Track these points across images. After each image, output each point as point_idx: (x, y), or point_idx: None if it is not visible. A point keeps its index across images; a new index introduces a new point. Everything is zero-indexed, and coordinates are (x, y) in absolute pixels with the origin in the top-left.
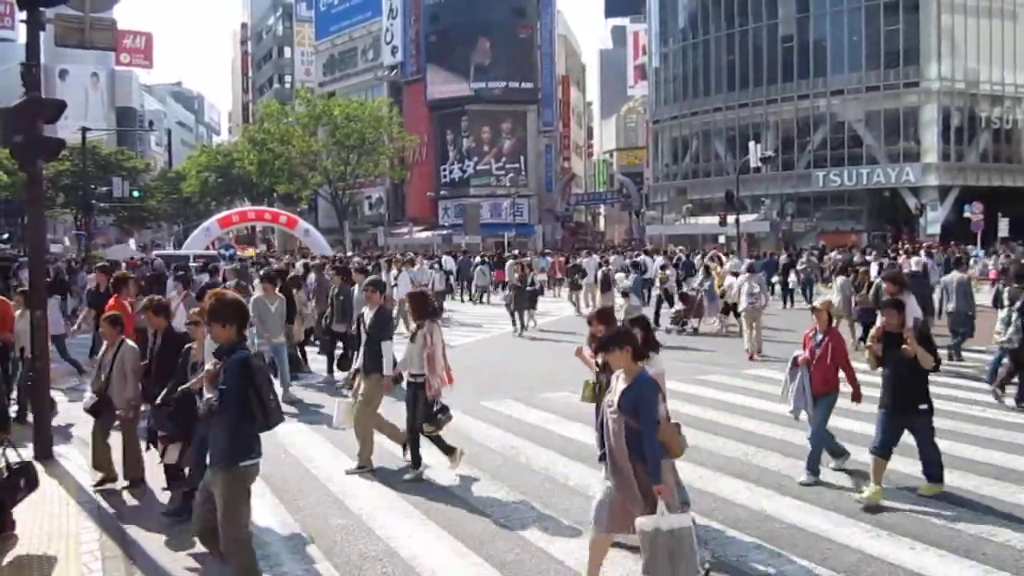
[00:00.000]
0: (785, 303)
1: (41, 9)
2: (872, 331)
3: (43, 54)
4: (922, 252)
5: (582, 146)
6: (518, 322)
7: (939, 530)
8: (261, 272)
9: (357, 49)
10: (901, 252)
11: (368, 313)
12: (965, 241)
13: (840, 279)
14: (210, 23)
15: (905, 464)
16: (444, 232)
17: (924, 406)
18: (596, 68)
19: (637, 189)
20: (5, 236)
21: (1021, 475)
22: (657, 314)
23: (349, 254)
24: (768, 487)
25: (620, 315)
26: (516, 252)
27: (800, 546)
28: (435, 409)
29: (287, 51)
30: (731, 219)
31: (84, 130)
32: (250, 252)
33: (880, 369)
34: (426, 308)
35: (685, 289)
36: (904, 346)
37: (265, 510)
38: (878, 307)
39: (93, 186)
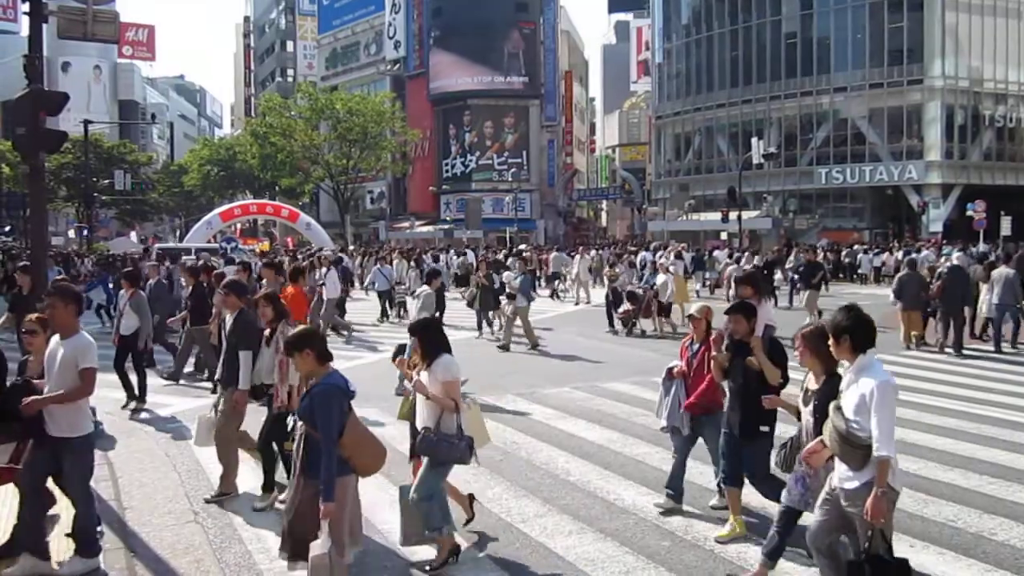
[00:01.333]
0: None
1: (44, 1)
2: (713, 336)
3: (46, 46)
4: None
5: (584, 141)
6: (484, 324)
7: (939, 528)
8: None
9: (360, 43)
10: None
11: (228, 319)
12: (968, 239)
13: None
14: (213, 16)
15: (906, 461)
16: (446, 227)
17: (765, 428)
18: (599, 63)
19: (639, 185)
20: (7, 229)
21: (1022, 474)
22: (609, 315)
23: (351, 248)
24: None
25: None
26: (502, 248)
27: (800, 544)
28: (290, 426)
29: (289, 45)
30: (733, 216)
31: (86, 123)
32: (264, 246)
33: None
34: (281, 309)
35: (632, 288)
36: (750, 357)
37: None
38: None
39: (95, 179)
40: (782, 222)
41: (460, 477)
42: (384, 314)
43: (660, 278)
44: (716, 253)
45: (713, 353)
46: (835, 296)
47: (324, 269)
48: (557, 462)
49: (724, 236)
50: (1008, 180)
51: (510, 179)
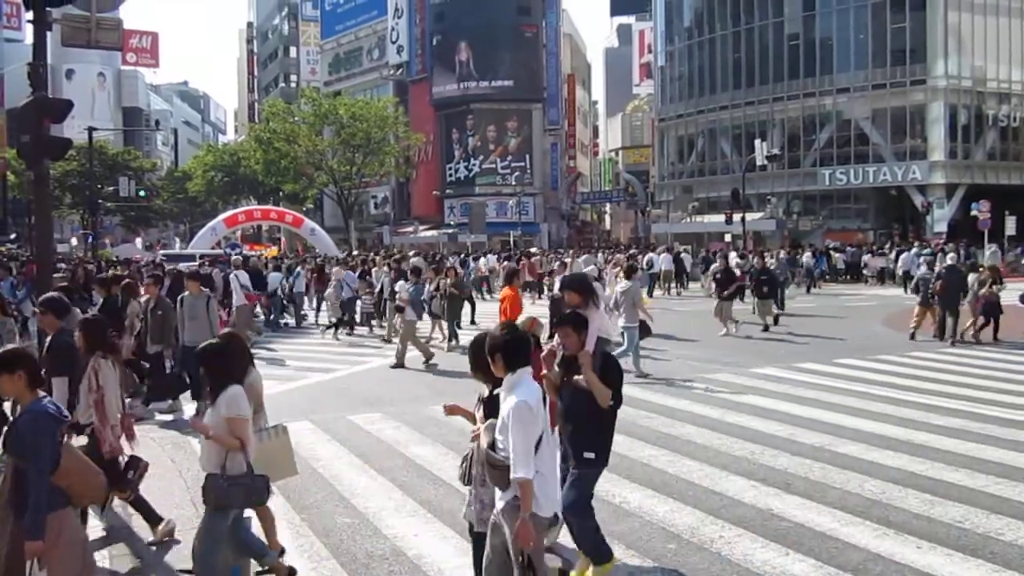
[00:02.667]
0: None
1: (48, 9)
2: (544, 352)
3: (50, 54)
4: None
5: (587, 145)
6: (447, 332)
7: (946, 529)
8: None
9: (362, 48)
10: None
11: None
12: (972, 240)
13: (971, 276)
14: (216, 23)
15: (912, 461)
16: (450, 231)
17: (590, 454)
18: (601, 66)
19: (643, 187)
20: (13, 236)
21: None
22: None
23: (355, 253)
24: (775, 486)
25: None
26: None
27: (806, 545)
28: (127, 471)
29: (292, 50)
30: (737, 217)
31: (91, 130)
32: (272, 251)
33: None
34: (99, 337)
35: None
36: (577, 376)
37: (272, 508)
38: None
39: (100, 186)
40: (786, 224)
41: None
42: (338, 325)
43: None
44: (731, 255)
45: (544, 372)
46: (840, 296)
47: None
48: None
49: (728, 238)
50: (1012, 180)
51: (513, 183)
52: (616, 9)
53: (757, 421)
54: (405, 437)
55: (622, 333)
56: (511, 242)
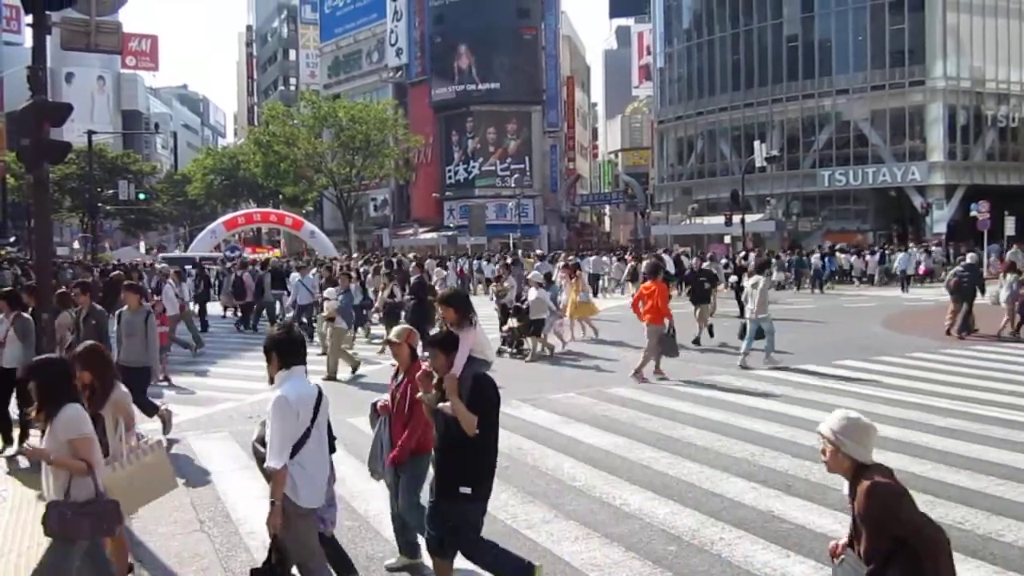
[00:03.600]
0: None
1: (47, 13)
2: (419, 373)
3: (49, 57)
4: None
5: (587, 147)
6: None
7: (947, 530)
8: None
9: (362, 51)
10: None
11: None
12: (972, 240)
13: (1010, 276)
14: (215, 26)
15: (913, 463)
16: (449, 233)
17: (466, 489)
18: (601, 69)
19: (642, 189)
20: (12, 239)
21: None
22: (502, 331)
23: (355, 256)
24: (775, 487)
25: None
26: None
27: (807, 546)
28: None
29: (292, 53)
30: (736, 219)
31: (90, 133)
32: (276, 253)
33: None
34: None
35: (522, 302)
36: (443, 403)
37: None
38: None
39: (99, 189)
40: (785, 225)
41: None
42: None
43: (532, 293)
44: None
45: (419, 394)
46: (840, 297)
47: (155, 282)
48: (563, 468)
49: (727, 240)
50: (1012, 180)
51: (513, 185)
52: (615, 11)
53: (758, 423)
54: None
55: (743, 327)
56: (511, 244)
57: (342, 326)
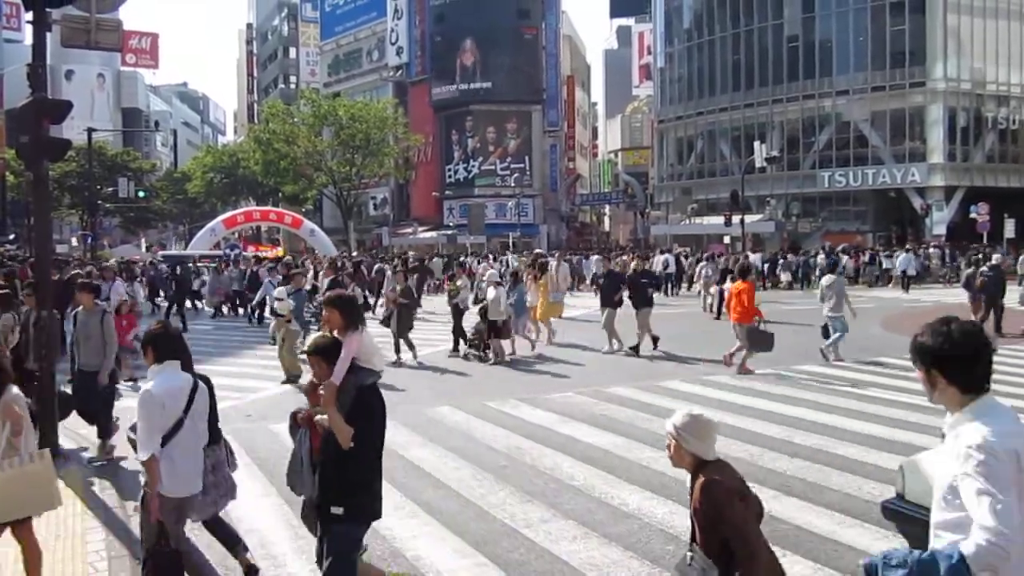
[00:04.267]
0: (719, 314)
1: (47, 10)
2: (307, 383)
3: (49, 55)
4: None
5: (587, 146)
6: (403, 348)
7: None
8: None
9: (362, 50)
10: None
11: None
12: (971, 242)
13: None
14: (215, 24)
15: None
16: (449, 232)
17: (337, 509)
18: (601, 68)
19: (642, 189)
20: (12, 236)
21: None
22: (455, 336)
23: (355, 254)
24: (773, 488)
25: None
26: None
27: (805, 547)
28: None
29: (292, 52)
30: (736, 219)
31: (90, 131)
32: (280, 252)
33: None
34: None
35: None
36: (320, 416)
37: (271, 511)
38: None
39: (99, 187)
40: (785, 226)
41: (465, 483)
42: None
43: (490, 293)
44: (752, 257)
45: (317, 418)
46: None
47: (110, 282)
48: (562, 467)
49: (727, 240)
50: (1011, 182)
51: (513, 184)
52: (616, 11)
53: (756, 423)
54: (404, 439)
55: (825, 324)
56: (510, 243)
57: (297, 327)
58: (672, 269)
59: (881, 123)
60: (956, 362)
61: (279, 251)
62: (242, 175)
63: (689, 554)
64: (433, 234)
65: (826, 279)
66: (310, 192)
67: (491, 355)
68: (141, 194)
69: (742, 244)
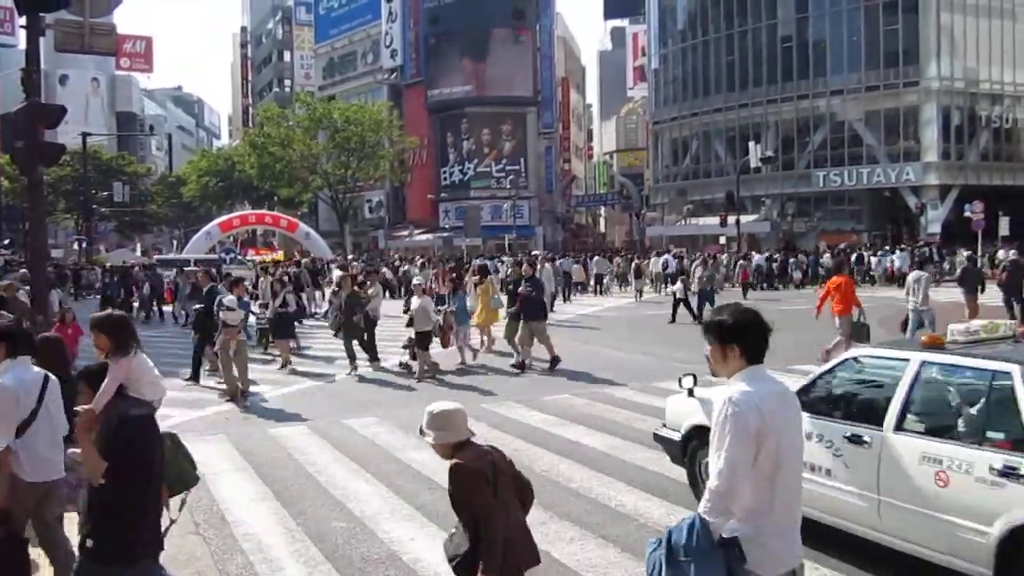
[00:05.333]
0: (674, 318)
1: (41, 15)
2: (83, 416)
3: (43, 59)
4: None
5: (582, 148)
6: (370, 357)
7: None
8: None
9: (357, 52)
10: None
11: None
12: (966, 241)
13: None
14: (210, 27)
15: None
16: (445, 234)
17: (90, 540)
18: (595, 70)
19: (637, 190)
20: (7, 241)
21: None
22: (366, 343)
23: (351, 257)
24: None
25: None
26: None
27: (804, 548)
28: None
29: (287, 55)
30: (731, 219)
31: (85, 135)
32: (278, 256)
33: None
34: None
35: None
36: (72, 450)
37: (267, 514)
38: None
39: (94, 191)
40: (780, 225)
41: None
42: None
43: (415, 302)
44: (757, 258)
45: (70, 451)
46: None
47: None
48: (558, 469)
49: (723, 240)
50: (1005, 180)
51: (508, 186)
52: (610, 12)
53: None
54: (401, 441)
55: (906, 318)
56: (506, 245)
57: (245, 338)
58: (672, 270)
59: (875, 122)
60: (747, 336)
61: (279, 255)
62: (237, 179)
63: (452, 529)
64: (429, 236)
65: (913, 275)
66: (305, 195)
67: (416, 368)
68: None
69: (738, 244)
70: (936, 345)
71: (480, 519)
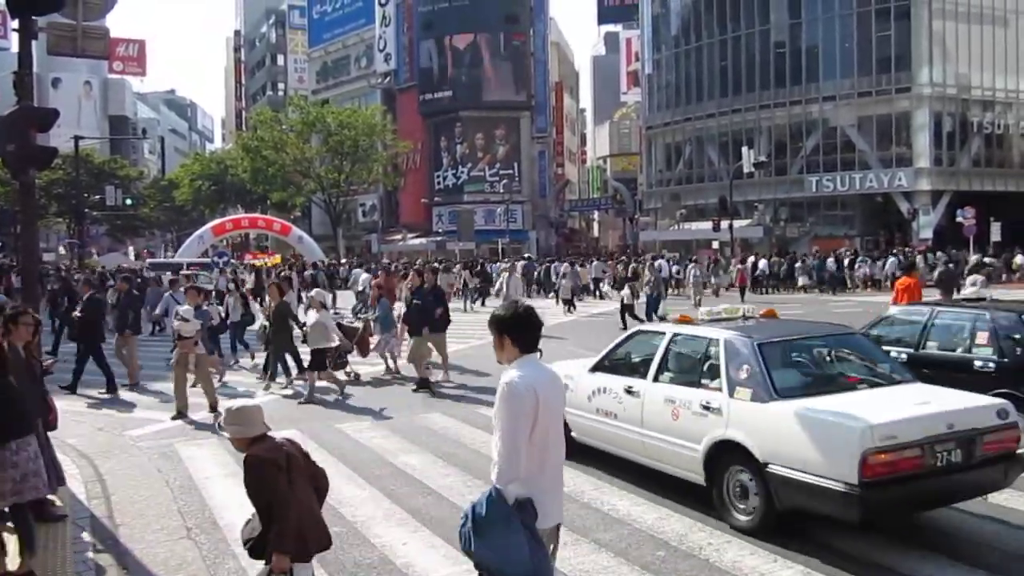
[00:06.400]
0: (624, 323)
1: (33, 18)
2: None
3: (35, 62)
4: None
5: (575, 152)
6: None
7: (938, 537)
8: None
9: (350, 56)
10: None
11: None
12: (957, 246)
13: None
14: (203, 31)
15: None
16: (438, 238)
17: None
18: (589, 74)
19: (631, 195)
20: None
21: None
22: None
23: (343, 260)
24: None
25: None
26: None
27: (797, 552)
28: None
29: (280, 59)
30: (724, 224)
31: (77, 138)
32: (276, 259)
33: None
34: None
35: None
36: None
37: None
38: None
39: (86, 195)
40: (773, 230)
41: (455, 490)
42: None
43: (311, 316)
44: (762, 264)
45: None
46: (828, 303)
47: None
48: None
49: (716, 245)
50: (997, 186)
51: (501, 190)
52: (603, 17)
53: None
54: (394, 446)
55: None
56: (500, 250)
57: (204, 351)
58: (665, 274)
59: (868, 128)
60: (519, 330)
61: (276, 258)
62: (230, 182)
63: (248, 516)
64: (422, 240)
65: (972, 278)
66: (298, 199)
67: (306, 385)
68: (128, 202)
69: (731, 249)
70: (685, 322)
71: (272, 505)
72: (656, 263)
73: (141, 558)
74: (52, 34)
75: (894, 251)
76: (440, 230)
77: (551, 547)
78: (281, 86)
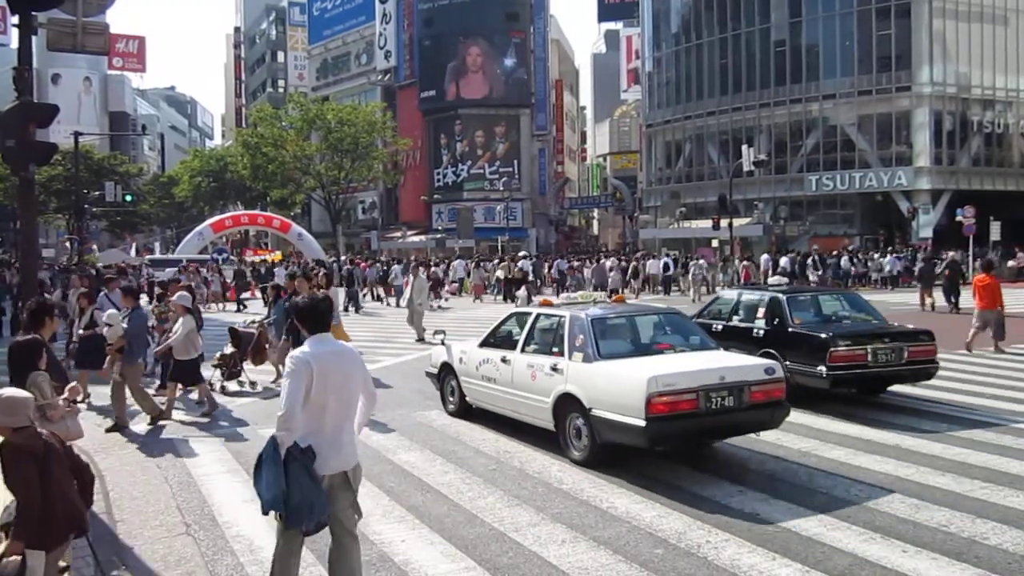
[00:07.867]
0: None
1: (33, 14)
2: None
3: (35, 58)
4: None
5: (575, 150)
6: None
7: (932, 533)
8: None
9: (350, 54)
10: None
11: None
12: (957, 245)
13: None
14: (203, 27)
15: (897, 467)
16: (438, 236)
17: None
18: (589, 72)
19: (631, 193)
20: None
21: (1014, 478)
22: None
23: (343, 257)
24: (761, 491)
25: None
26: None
27: (793, 550)
28: None
29: (280, 55)
30: (724, 223)
31: (76, 134)
32: (277, 256)
33: None
34: None
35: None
36: None
37: (258, 515)
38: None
39: (86, 191)
40: (773, 229)
41: (453, 487)
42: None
43: (177, 324)
44: (783, 261)
45: None
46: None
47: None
48: (550, 471)
49: (715, 244)
50: (997, 185)
51: (501, 188)
52: (603, 15)
53: None
54: (393, 443)
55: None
56: (499, 247)
57: (132, 363)
58: (671, 272)
59: (868, 127)
60: (307, 315)
61: (277, 255)
62: (230, 179)
63: (9, 502)
64: (422, 238)
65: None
66: (298, 196)
67: (162, 407)
68: (128, 198)
69: (730, 248)
70: (547, 304)
71: (19, 493)
72: (661, 261)
73: (140, 554)
74: (52, 30)
75: (890, 249)
76: (440, 227)
77: (343, 490)
78: (281, 83)
